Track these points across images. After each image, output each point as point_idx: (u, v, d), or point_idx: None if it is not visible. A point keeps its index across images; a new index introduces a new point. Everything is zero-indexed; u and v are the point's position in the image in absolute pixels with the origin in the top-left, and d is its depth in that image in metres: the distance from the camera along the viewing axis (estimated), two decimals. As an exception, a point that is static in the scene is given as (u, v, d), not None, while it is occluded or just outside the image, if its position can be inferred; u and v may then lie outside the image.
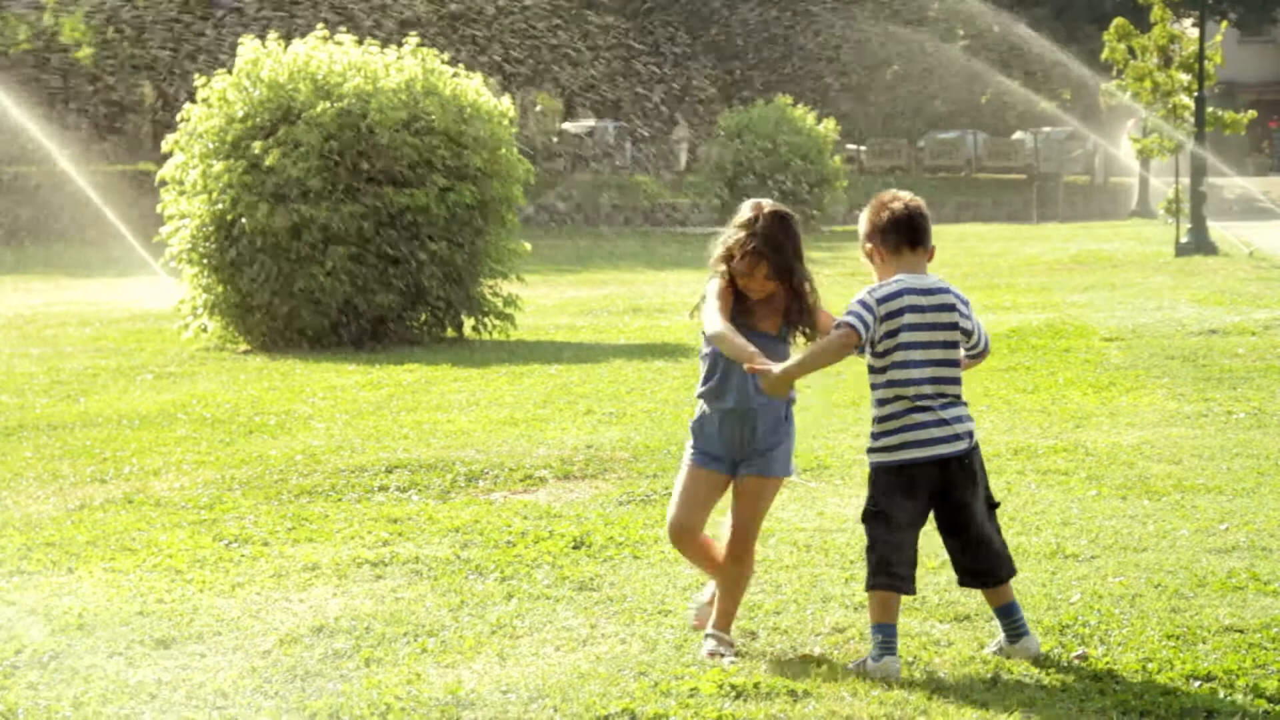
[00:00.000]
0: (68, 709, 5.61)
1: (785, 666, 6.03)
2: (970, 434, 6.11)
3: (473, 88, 17.91)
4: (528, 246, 18.61)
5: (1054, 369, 14.11)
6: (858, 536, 8.02)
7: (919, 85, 61.98)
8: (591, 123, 61.49)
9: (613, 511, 8.77)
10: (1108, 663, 5.98)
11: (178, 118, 17.48)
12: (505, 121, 18.03)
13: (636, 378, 13.93)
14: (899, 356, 6.06)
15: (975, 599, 6.81)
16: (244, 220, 16.67)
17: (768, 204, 6.35)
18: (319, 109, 16.87)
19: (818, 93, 57.61)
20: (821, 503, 8.92)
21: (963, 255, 31.76)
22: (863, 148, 61.22)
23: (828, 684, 5.82)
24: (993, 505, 6.19)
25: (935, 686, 5.78)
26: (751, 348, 5.98)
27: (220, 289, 17.04)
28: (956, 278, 25.60)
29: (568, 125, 61.86)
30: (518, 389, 13.53)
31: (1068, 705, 5.58)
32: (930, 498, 6.09)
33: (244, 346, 17.19)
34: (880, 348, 6.07)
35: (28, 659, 6.18)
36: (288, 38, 18.00)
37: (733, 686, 5.78)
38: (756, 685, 5.80)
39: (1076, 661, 6.01)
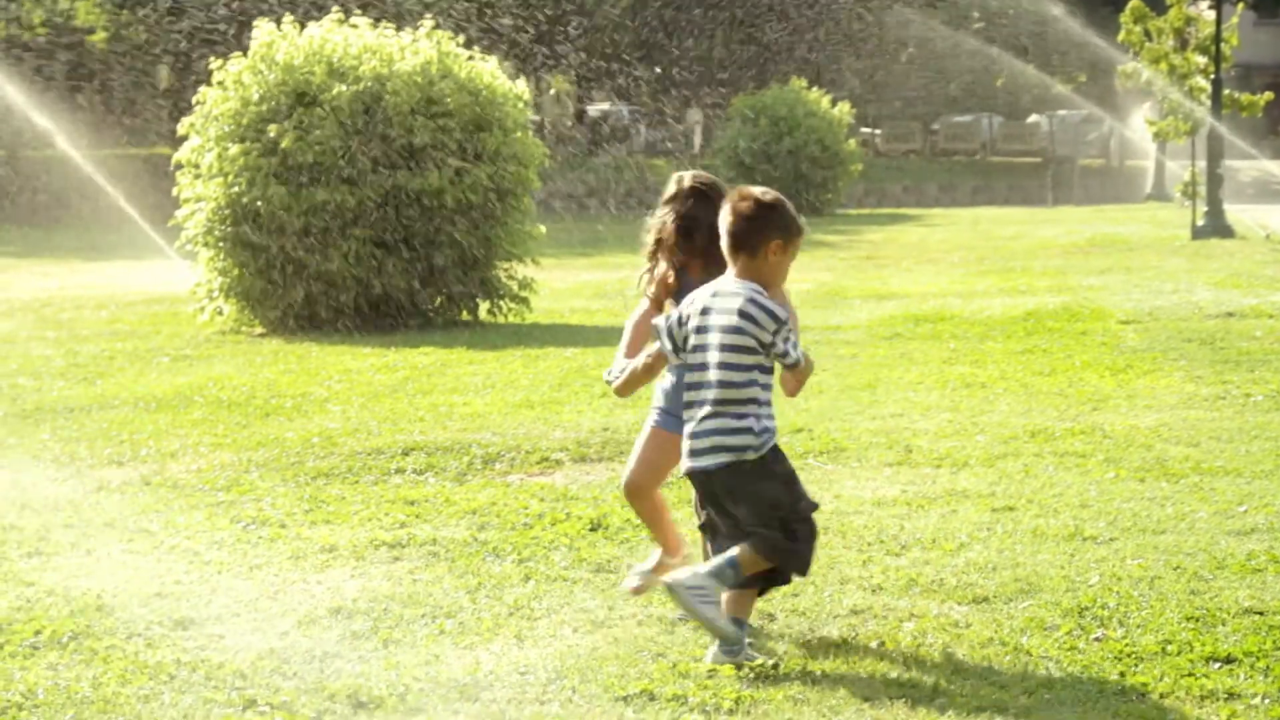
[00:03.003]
0: (87, 689, 5.62)
1: (803, 649, 6.03)
2: (731, 449, 5.97)
3: (488, 70, 17.89)
4: (543, 229, 18.58)
5: (1070, 352, 14.08)
6: (875, 519, 8.04)
7: (934, 68, 61.84)
8: (606, 106, 61.44)
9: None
10: (1127, 645, 5.97)
11: (193, 101, 17.48)
12: (520, 104, 18.01)
13: (652, 360, 13.91)
14: (692, 362, 6.12)
15: (995, 581, 6.82)
16: (259, 203, 16.67)
17: (688, 177, 6.42)
18: (334, 92, 16.86)
19: (832, 76, 57.52)
20: (838, 485, 8.91)
21: (977, 239, 31.70)
22: (877, 131, 61.10)
23: (846, 666, 5.82)
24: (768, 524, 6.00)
25: (954, 668, 5.78)
26: (634, 365, 6.29)
27: (236, 272, 17.04)
28: (971, 261, 25.60)
29: (582, 108, 61.79)
30: (533, 372, 13.52)
31: (1087, 687, 5.57)
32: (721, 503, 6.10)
33: (259, 329, 17.20)
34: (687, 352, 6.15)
35: (47, 639, 6.19)
36: (304, 22, 17.98)
37: (750, 669, 5.77)
38: (775, 667, 5.80)
39: (1095, 643, 6.00)
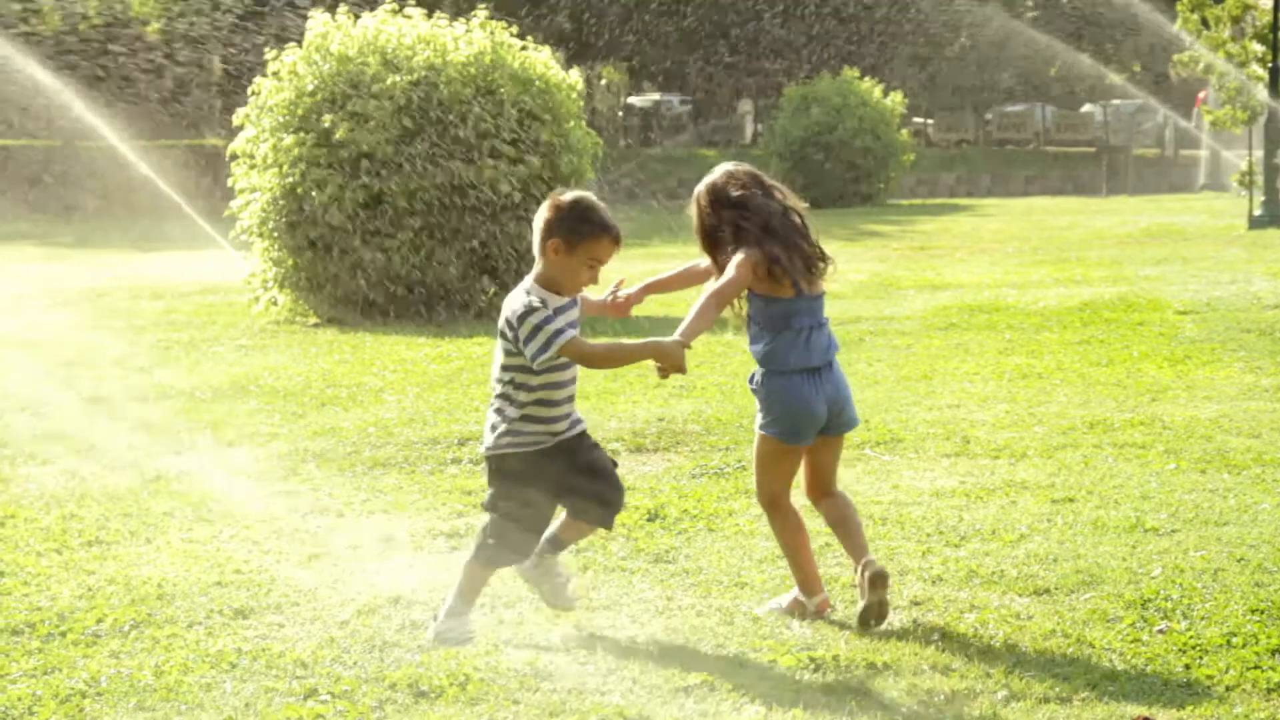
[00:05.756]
0: (150, 677, 5.64)
1: (864, 639, 6.00)
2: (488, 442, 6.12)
3: (541, 61, 17.89)
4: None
5: (1128, 342, 13.98)
6: (933, 510, 8.00)
7: (987, 58, 61.51)
8: (657, 96, 61.38)
9: (686, 484, 8.75)
10: (1191, 637, 5.91)
11: (248, 91, 17.54)
12: (574, 95, 18.00)
13: (706, 351, 13.87)
14: None
15: (1056, 573, 6.77)
16: (314, 193, 16.72)
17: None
18: (388, 82, 16.90)
19: (885, 65, 57.31)
20: (896, 476, 8.87)
21: (1031, 229, 31.52)
22: (930, 121, 60.81)
23: (907, 657, 5.78)
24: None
25: (1017, 660, 5.74)
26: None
27: (290, 262, 17.10)
28: (1025, 251, 25.45)
29: (633, 99, 61.78)
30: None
31: (1152, 680, 5.52)
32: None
33: (314, 319, 17.26)
34: None
35: (109, 628, 6.22)
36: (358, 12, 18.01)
37: (811, 659, 5.75)
38: (835, 658, 5.77)
39: (1159, 636, 5.95)
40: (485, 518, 6.18)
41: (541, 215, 6.13)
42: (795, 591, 6.40)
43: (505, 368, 6.06)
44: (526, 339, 5.95)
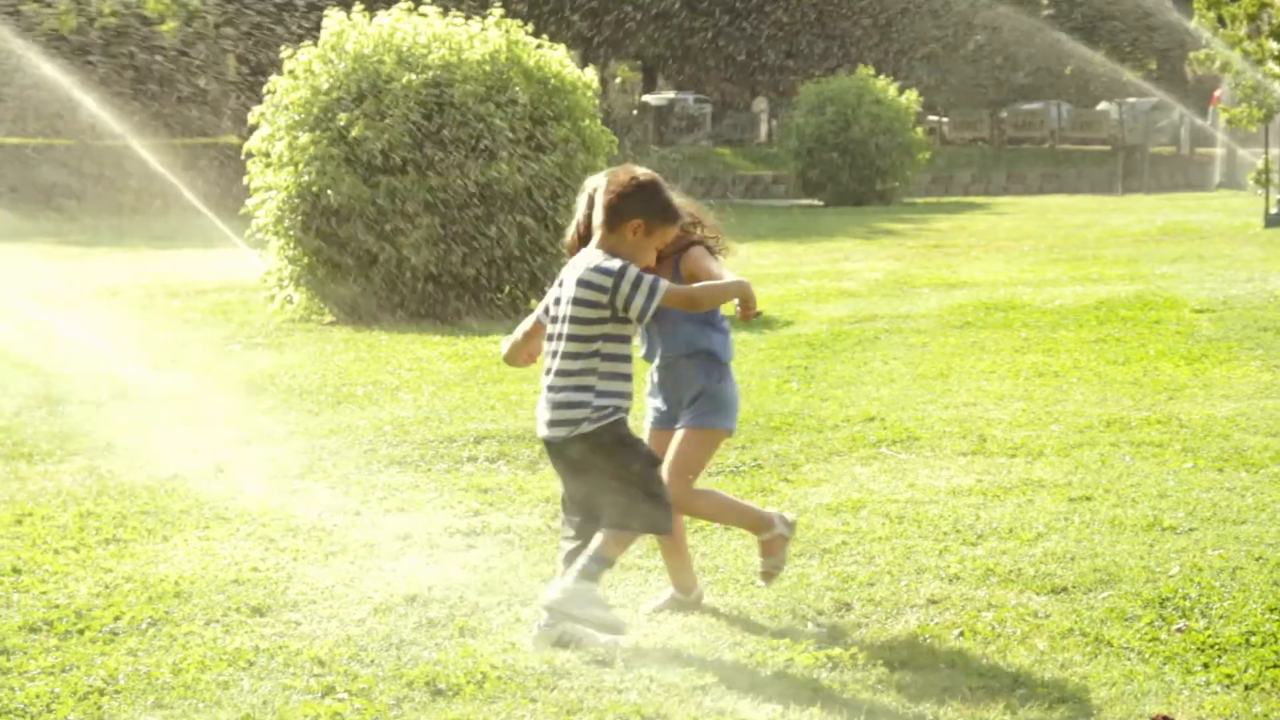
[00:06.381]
0: (167, 675, 5.64)
1: (881, 638, 5.99)
2: (567, 423, 5.91)
3: (556, 59, 17.89)
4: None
5: (1145, 341, 13.95)
6: (950, 508, 7.99)
7: (1002, 56, 61.44)
8: (671, 94, 61.40)
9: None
10: (1210, 636, 5.90)
11: (264, 90, 17.56)
12: (589, 93, 18.00)
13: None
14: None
15: (1073, 571, 6.76)
16: (330, 192, 16.74)
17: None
18: (404, 81, 16.91)
19: (899, 63, 57.25)
20: (912, 474, 8.86)
21: (1047, 227, 31.47)
22: (945, 119, 60.76)
23: (924, 655, 5.78)
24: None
25: (1034, 659, 5.72)
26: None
27: (306, 260, 17.13)
28: (1041, 249, 25.41)
29: (648, 97, 61.79)
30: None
31: (1170, 678, 5.51)
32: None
33: (329, 318, 17.28)
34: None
35: (126, 625, 6.23)
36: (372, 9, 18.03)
37: (828, 657, 5.74)
38: (852, 656, 5.76)
39: (1178, 635, 5.94)
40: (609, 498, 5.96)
41: (615, 191, 5.94)
42: (760, 558, 6.52)
43: (589, 338, 5.88)
44: (630, 294, 5.82)
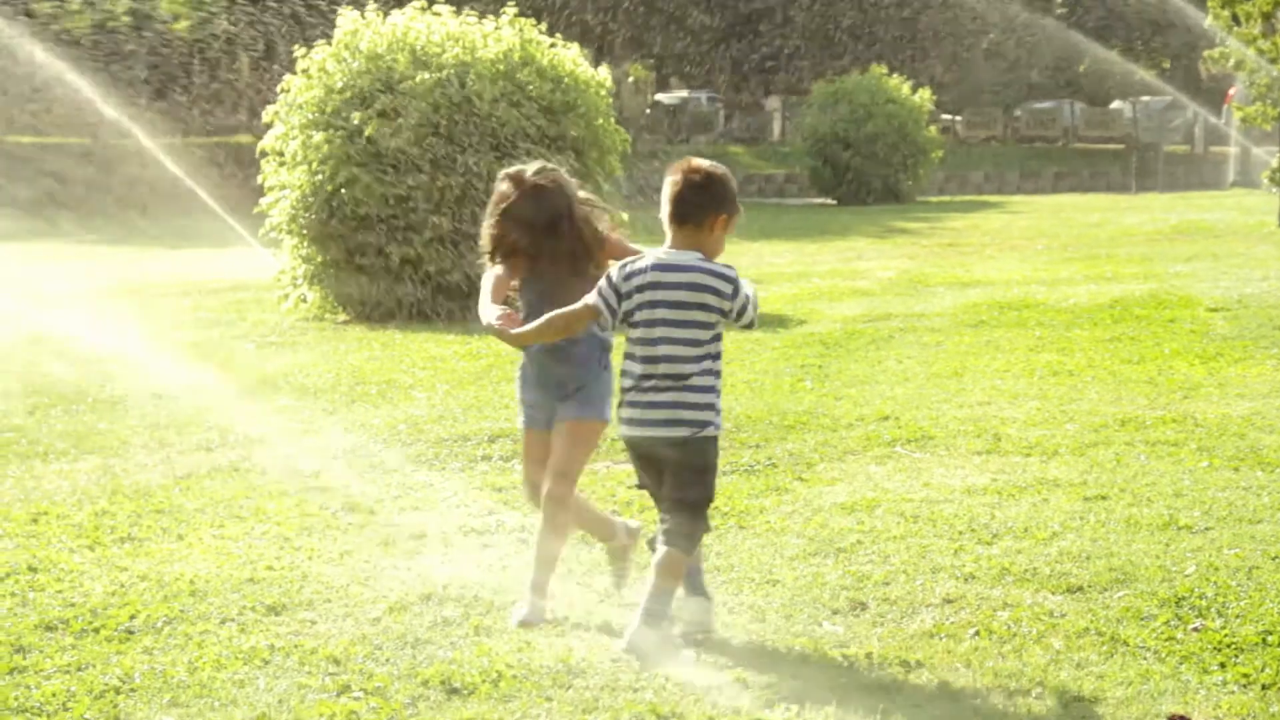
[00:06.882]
0: (183, 674, 5.65)
1: (897, 637, 5.98)
2: (688, 423, 5.89)
3: (570, 58, 17.89)
4: (624, 217, 18.54)
5: (1159, 339, 13.93)
6: (965, 508, 7.97)
7: (1015, 55, 61.37)
8: (684, 93, 61.38)
9: (717, 482, 8.71)
10: (1226, 635, 5.88)
11: (278, 89, 17.57)
12: (602, 92, 18.00)
13: (735, 348, 13.86)
14: (636, 334, 5.97)
15: (1089, 570, 6.74)
16: (343, 191, 16.74)
17: (510, 179, 6.27)
18: (417, 79, 16.92)
19: (913, 62, 57.19)
20: (927, 473, 8.84)
21: (1060, 226, 31.43)
22: (958, 118, 60.71)
23: (940, 655, 5.77)
24: (691, 503, 5.97)
25: (1050, 658, 5.71)
26: (490, 315, 6.07)
27: (319, 259, 17.13)
28: (1055, 248, 25.38)
29: (661, 96, 61.78)
30: (617, 360, 13.48)
31: (1187, 677, 5.49)
32: (660, 471, 6.01)
33: (343, 316, 17.29)
34: (629, 322, 5.98)
35: (142, 624, 6.23)
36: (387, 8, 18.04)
37: (844, 657, 5.74)
38: (868, 655, 5.76)
39: (1194, 634, 5.92)
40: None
41: (699, 185, 5.86)
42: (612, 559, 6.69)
43: (706, 342, 5.87)
44: (747, 302, 5.85)
